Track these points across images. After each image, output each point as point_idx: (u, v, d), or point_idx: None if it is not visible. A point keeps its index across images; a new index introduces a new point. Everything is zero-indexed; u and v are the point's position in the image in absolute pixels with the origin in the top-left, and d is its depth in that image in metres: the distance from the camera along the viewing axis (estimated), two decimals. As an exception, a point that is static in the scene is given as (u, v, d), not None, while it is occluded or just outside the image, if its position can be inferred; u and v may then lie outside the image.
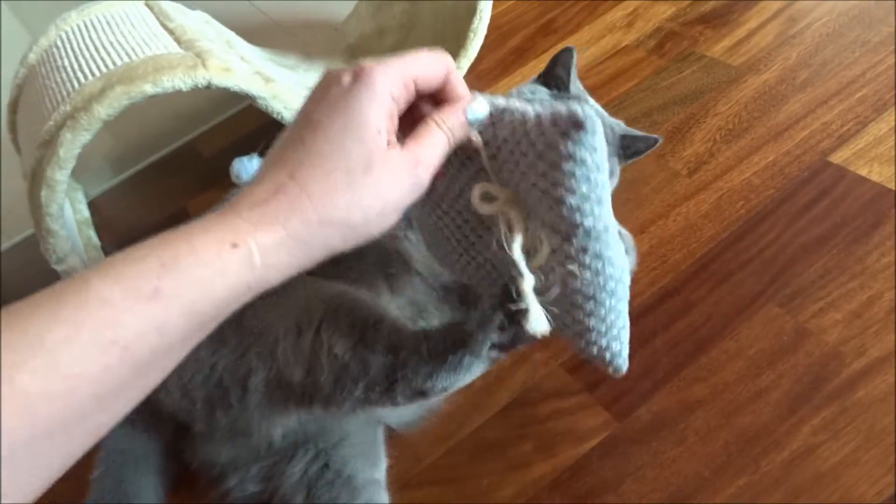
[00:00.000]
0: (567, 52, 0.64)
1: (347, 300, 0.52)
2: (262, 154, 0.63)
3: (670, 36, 0.95)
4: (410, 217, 0.49)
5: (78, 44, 0.75)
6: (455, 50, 0.93)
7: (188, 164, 1.09)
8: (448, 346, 0.47)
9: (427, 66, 0.39)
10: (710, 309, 0.64)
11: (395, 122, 0.38)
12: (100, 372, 0.29)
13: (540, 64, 0.91)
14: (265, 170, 0.37)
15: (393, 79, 0.37)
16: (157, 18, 0.81)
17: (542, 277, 0.42)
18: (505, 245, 0.41)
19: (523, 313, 0.41)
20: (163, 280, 0.31)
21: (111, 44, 0.73)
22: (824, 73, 0.81)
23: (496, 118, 0.41)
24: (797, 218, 0.68)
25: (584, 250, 0.40)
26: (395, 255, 0.60)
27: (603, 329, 0.44)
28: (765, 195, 0.71)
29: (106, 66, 0.69)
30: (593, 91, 0.69)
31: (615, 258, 0.41)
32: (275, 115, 0.73)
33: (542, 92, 0.64)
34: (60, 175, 0.67)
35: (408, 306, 0.60)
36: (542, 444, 0.59)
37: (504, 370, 0.64)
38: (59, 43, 0.78)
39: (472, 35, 0.91)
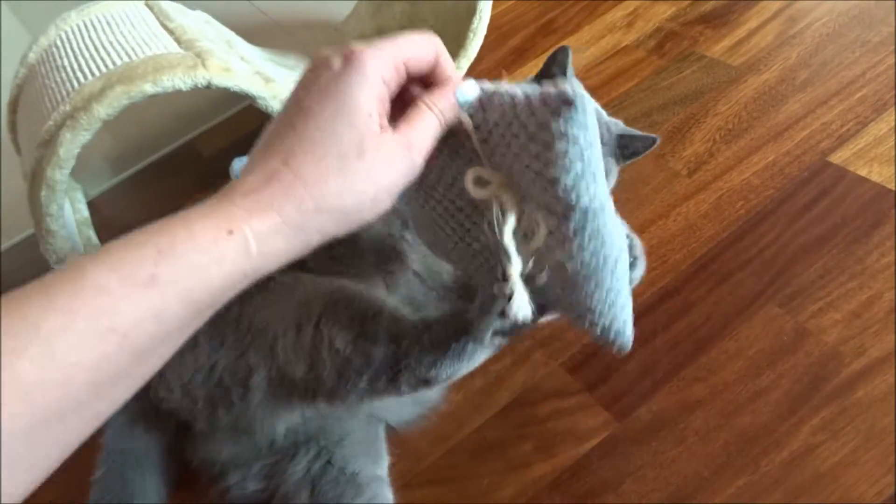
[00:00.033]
0: (562, 50, 0.64)
1: (345, 294, 0.52)
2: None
3: (670, 36, 0.95)
4: (406, 215, 0.49)
5: (78, 43, 0.75)
6: (455, 50, 0.93)
7: (188, 163, 1.09)
8: (450, 334, 0.47)
9: (417, 48, 0.39)
10: (710, 309, 0.64)
11: (387, 105, 0.38)
12: (97, 360, 0.29)
13: (540, 64, 0.91)
14: (257, 158, 0.37)
15: (383, 62, 0.37)
16: (157, 18, 0.81)
17: (541, 261, 0.41)
18: (496, 228, 0.40)
19: (511, 297, 0.41)
20: (159, 267, 0.31)
21: (111, 44, 0.73)
22: (824, 73, 0.81)
23: (486, 102, 0.40)
24: (797, 218, 0.68)
25: (582, 230, 0.40)
26: (392, 255, 0.60)
27: (606, 308, 0.43)
28: (764, 195, 0.71)
29: (106, 65, 0.69)
30: (593, 91, 0.69)
31: (613, 236, 0.41)
32: (275, 116, 0.73)
33: None
34: (60, 175, 0.67)
35: (406, 305, 0.61)
36: (542, 444, 0.59)
37: (504, 370, 0.64)
38: (58, 43, 0.78)
39: (471, 35, 0.91)
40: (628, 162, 0.64)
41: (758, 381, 0.58)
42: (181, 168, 1.08)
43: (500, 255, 0.42)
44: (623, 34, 0.98)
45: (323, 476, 0.54)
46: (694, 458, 0.55)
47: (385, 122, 0.37)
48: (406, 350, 0.48)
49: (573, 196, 0.38)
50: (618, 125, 0.64)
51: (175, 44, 0.74)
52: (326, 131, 0.35)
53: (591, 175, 0.38)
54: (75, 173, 0.72)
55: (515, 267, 0.40)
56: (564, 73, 0.64)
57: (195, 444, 0.57)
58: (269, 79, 0.75)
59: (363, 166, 0.36)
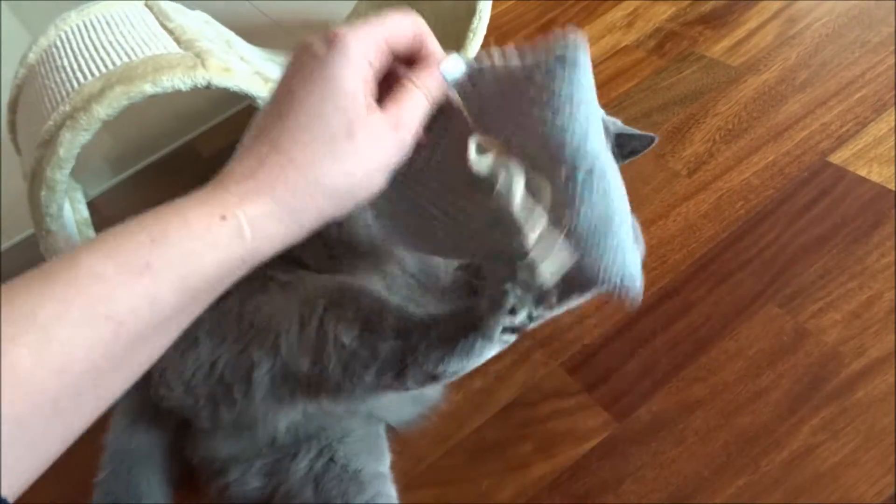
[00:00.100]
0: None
1: (349, 290, 0.52)
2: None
3: (670, 36, 0.95)
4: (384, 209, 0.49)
5: (77, 44, 0.75)
6: (455, 50, 0.93)
7: (188, 164, 1.09)
8: (459, 330, 0.47)
9: (398, 27, 0.39)
10: (710, 309, 0.64)
11: (373, 86, 0.38)
12: (93, 347, 0.29)
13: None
14: (247, 146, 0.37)
15: (366, 42, 0.37)
16: (157, 18, 0.81)
17: (548, 223, 0.41)
18: (508, 194, 0.40)
19: (540, 259, 0.41)
20: (153, 254, 0.31)
21: (111, 44, 0.73)
22: (824, 73, 0.81)
23: (475, 77, 0.41)
24: (797, 218, 0.68)
25: (590, 184, 0.40)
26: (389, 257, 0.60)
27: (616, 260, 0.43)
28: (764, 195, 0.71)
29: (105, 66, 0.69)
30: (593, 91, 0.69)
31: (617, 188, 0.42)
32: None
33: None
34: (60, 175, 0.67)
35: (407, 303, 0.61)
36: (541, 445, 0.59)
37: (504, 370, 0.64)
38: (58, 43, 0.78)
39: (471, 35, 0.91)
40: (627, 161, 0.64)
41: (758, 381, 0.58)
42: (181, 168, 1.08)
43: (502, 232, 0.41)
44: (623, 34, 0.98)
45: (326, 473, 0.54)
46: (694, 459, 0.55)
47: (372, 102, 0.37)
48: (414, 345, 0.48)
49: (582, 147, 0.39)
50: (616, 124, 0.64)
51: (175, 44, 0.74)
52: (314, 115, 0.36)
53: (595, 129, 0.39)
54: (75, 173, 0.72)
55: (539, 223, 0.40)
56: None
57: (195, 441, 0.57)
58: (269, 79, 0.75)
59: (353, 147, 0.36)
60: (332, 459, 0.55)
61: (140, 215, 0.33)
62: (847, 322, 0.59)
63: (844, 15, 0.87)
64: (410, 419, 0.62)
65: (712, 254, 0.68)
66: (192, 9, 0.90)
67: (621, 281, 0.44)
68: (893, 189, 0.67)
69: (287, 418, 0.54)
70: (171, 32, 0.77)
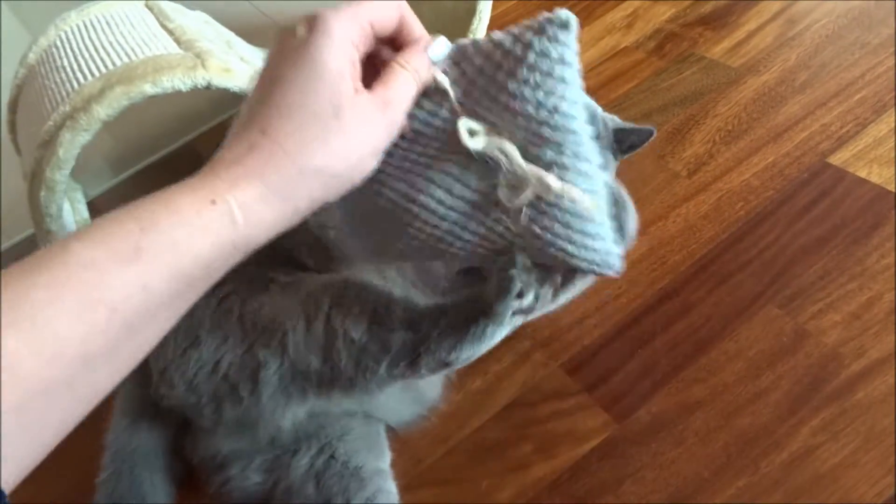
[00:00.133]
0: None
1: (353, 286, 0.52)
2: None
3: (670, 37, 0.95)
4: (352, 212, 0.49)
5: (77, 44, 0.75)
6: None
7: (188, 164, 1.08)
8: (469, 316, 0.47)
9: (380, 8, 0.38)
10: (710, 310, 0.64)
11: (358, 68, 0.38)
12: (86, 334, 0.29)
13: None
14: (235, 132, 0.36)
15: (348, 23, 0.37)
16: (157, 19, 0.81)
17: (533, 210, 0.42)
18: (510, 165, 0.40)
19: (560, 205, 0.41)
20: (143, 240, 0.31)
21: (111, 44, 0.73)
22: (823, 74, 0.81)
23: (460, 57, 0.41)
24: (797, 219, 0.68)
25: (577, 158, 0.41)
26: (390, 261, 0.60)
27: (596, 239, 0.44)
28: (764, 196, 0.71)
29: (105, 66, 0.69)
30: (593, 92, 0.69)
31: (597, 168, 0.43)
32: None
33: None
34: (60, 176, 0.67)
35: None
36: (541, 446, 0.59)
37: (503, 371, 0.64)
38: (58, 43, 0.78)
39: (471, 36, 0.91)
40: (626, 156, 0.64)
41: (757, 382, 0.57)
42: (181, 169, 1.07)
43: (511, 188, 0.41)
44: (623, 35, 0.98)
45: (327, 470, 0.54)
46: (693, 460, 0.55)
47: (359, 84, 0.37)
48: (425, 334, 0.48)
49: (571, 123, 0.40)
50: (614, 120, 0.64)
51: (175, 44, 0.74)
52: (301, 97, 0.35)
53: (580, 109, 0.40)
54: (75, 174, 0.72)
55: (552, 179, 0.40)
56: None
57: (196, 439, 0.57)
58: (269, 79, 0.75)
59: (342, 128, 0.36)
60: (332, 457, 0.55)
61: (128, 204, 0.33)
62: (847, 323, 0.59)
63: (844, 16, 0.87)
64: (410, 420, 0.62)
65: (712, 255, 0.68)
66: (193, 9, 0.90)
67: (604, 259, 0.45)
68: (893, 190, 0.67)
69: (294, 416, 0.54)
70: (171, 33, 0.77)
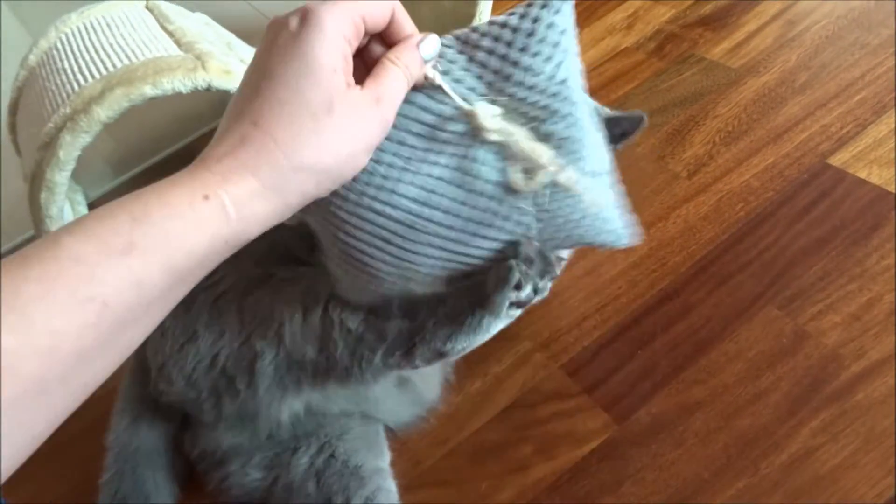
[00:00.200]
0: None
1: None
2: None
3: (670, 38, 0.95)
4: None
5: (78, 46, 0.76)
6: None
7: (188, 166, 1.09)
8: (466, 307, 0.47)
9: (373, 3, 0.38)
10: (710, 311, 0.64)
11: (350, 63, 0.37)
12: (79, 328, 0.28)
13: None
14: (227, 123, 0.36)
15: (341, 18, 0.36)
16: (158, 21, 0.81)
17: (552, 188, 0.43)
18: (521, 148, 0.41)
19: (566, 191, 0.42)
20: (135, 234, 0.31)
21: (111, 46, 0.73)
22: (823, 75, 0.81)
23: (464, 45, 0.42)
24: (796, 220, 0.68)
25: (586, 130, 0.42)
26: None
27: (609, 209, 0.45)
28: (764, 197, 0.71)
29: (106, 68, 0.69)
30: (593, 93, 0.69)
31: (601, 133, 0.46)
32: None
33: None
34: (60, 177, 0.67)
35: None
36: (541, 447, 0.59)
37: (503, 372, 0.64)
38: (59, 45, 0.78)
39: (471, 37, 0.91)
40: (620, 145, 0.64)
41: (757, 383, 0.57)
42: (181, 170, 1.08)
43: (525, 172, 0.42)
44: (623, 36, 0.98)
45: (327, 469, 0.55)
46: (693, 461, 0.55)
47: (351, 79, 0.37)
48: (421, 323, 0.48)
49: (574, 95, 0.42)
50: (604, 110, 0.64)
51: (175, 46, 0.74)
52: (293, 91, 0.35)
53: (580, 81, 0.43)
54: (76, 175, 0.72)
55: (557, 164, 0.41)
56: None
57: (196, 435, 0.57)
58: (269, 81, 0.75)
59: (334, 123, 0.36)
60: (332, 455, 0.55)
61: (120, 198, 0.32)
62: (847, 324, 0.59)
63: (844, 17, 0.87)
64: (409, 420, 0.62)
65: (712, 256, 0.68)
66: (193, 11, 0.91)
67: (618, 233, 0.46)
68: (893, 191, 0.67)
69: (290, 409, 0.54)
70: (171, 34, 0.77)
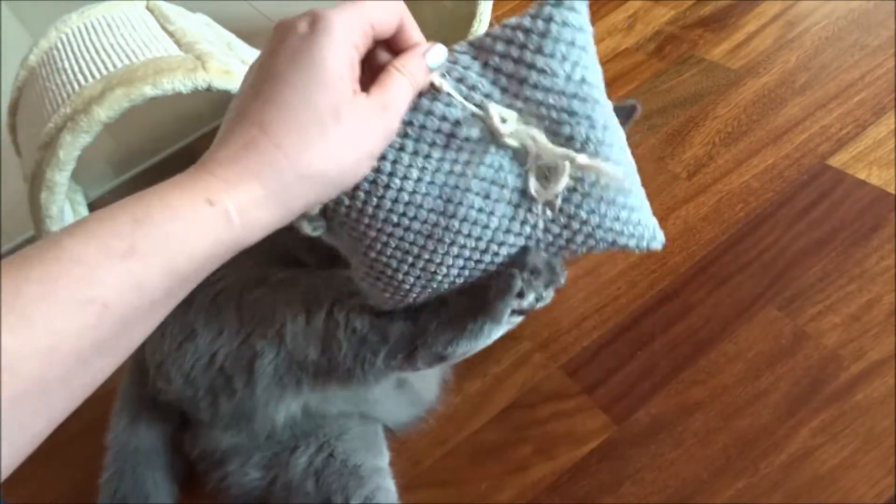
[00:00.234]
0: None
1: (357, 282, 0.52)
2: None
3: (670, 39, 0.95)
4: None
5: (78, 46, 0.76)
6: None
7: (188, 166, 1.08)
8: (467, 312, 0.47)
9: (382, 10, 0.38)
10: (709, 312, 0.64)
11: (357, 69, 0.37)
12: (79, 330, 0.28)
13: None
14: (230, 126, 0.36)
15: (351, 24, 0.36)
16: (158, 21, 0.81)
17: (576, 194, 0.43)
18: (539, 151, 0.41)
19: (595, 179, 0.42)
20: (137, 238, 0.30)
21: (111, 46, 0.73)
22: (823, 76, 0.81)
23: (477, 51, 0.41)
24: (796, 221, 0.68)
25: (607, 130, 0.42)
26: None
27: (638, 210, 0.45)
28: (764, 198, 0.71)
29: (106, 68, 0.69)
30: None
31: (624, 140, 0.44)
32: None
33: None
34: (60, 177, 0.67)
35: None
36: (540, 447, 0.59)
37: (503, 372, 0.64)
38: (59, 45, 0.78)
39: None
40: None
41: (757, 383, 0.58)
42: (181, 171, 1.08)
43: (544, 177, 0.42)
44: (623, 37, 0.98)
45: (326, 468, 0.55)
46: (693, 461, 0.55)
47: (357, 86, 0.37)
48: (423, 327, 0.48)
49: (597, 93, 0.41)
50: None
51: (175, 46, 0.74)
52: (301, 97, 0.35)
53: (600, 79, 0.42)
54: (76, 175, 0.72)
55: (583, 158, 0.41)
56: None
57: (195, 434, 0.58)
58: (270, 81, 0.75)
59: (341, 131, 0.35)
60: (331, 455, 0.55)
61: (122, 200, 0.32)
62: (846, 325, 0.59)
63: (844, 18, 0.87)
64: (407, 421, 0.62)
65: (712, 256, 0.68)
66: (193, 11, 0.91)
67: (645, 235, 0.46)
68: (893, 192, 0.67)
69: (288, 409, 0.54)
70: (171, 35, 0.77)
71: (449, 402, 0.63)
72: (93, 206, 1.03)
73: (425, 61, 0.40)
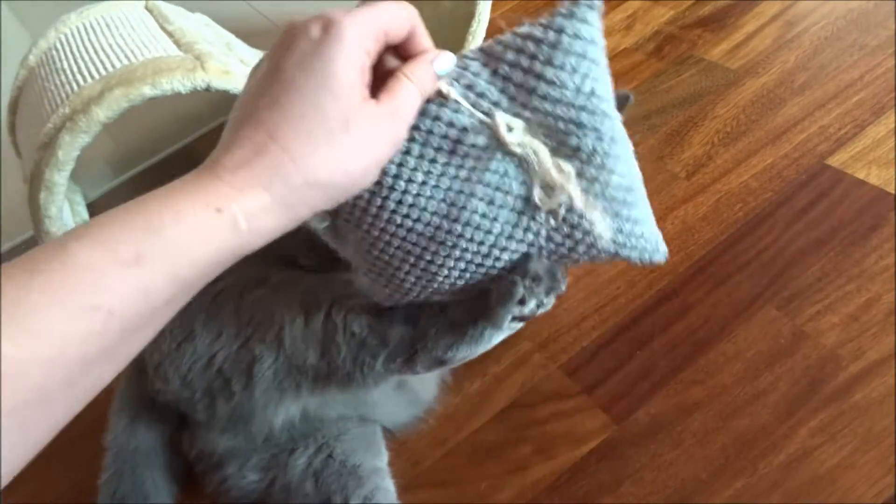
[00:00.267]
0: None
1: (356, 284, 0.52)
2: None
3: (669, 39, 0.95)
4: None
5: (77, 46, 0.76)
6: (454, 52, 0.93)
7: (187, 166, 1.07)
8: (468, 318, 0.47)
9: (394, 17, 0.38)
10: (708, 311, 0.64)
11: (367, 75, 0.37)
12: (84, 337, 0.28)
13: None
14: (238, 130, 0.36)
15: (363, 30, 0.36)
16: (157, 21, 0.81)
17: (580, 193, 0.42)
18: (539, 169, 0.40)
19: (586, 224, 0.42)
20: (145, 245, 0.30)
21: (110, 46, 0.73)
22: (822, 76, 0.81)
23: (488, 58, 0.41)
24: (795, 221, 0.68)
25: (614, 142, 0.42)
26: None
27: (642, 223, 0.45)
28: (763, 198, 0.71)
29: (105, 68, 0.69)
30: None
31: (630, 153, 0.44)
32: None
33: None
34: (59, 177, 0.67)
35: None
36: (540, 447, 0.59)
37: (502, 372, 0.64)
38: (58, 45, 0.78)
39: (470, 38, 0.91)
40: None
41: (756, 383, 0.58)
42: (180, 171, 1.07)
43: (545, 191, 0.41)
44: (622, 37, 0.98)
45: (325, 469, 0.55)
46: (692, 461, 0.55)
47: (366, 92, 0.37)
48: (423, 331, 0.48)
49: (606, 107, 0.41)
50: None
51: (174, 46, 0.74)
52: (311, 104, 0.35)
53: (609, 92, 0.41)
54: (75, 176, 0.72)
55: (577, 196, 0.40)
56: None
57: (193, 435, 0.58)
58: (269, 81, 0.75)
59: (350, 139, 0.35)
60: (330, 456, 0.55)
61: (129, 203, 0.32)
62: (845, 324, 0.59)
63: (843, 18, 0.87)
64: (406, 421, 0.62)
65: (711, 256, 0.68)
66: (193, 11, 0.91)
67: (647, 248, 0.46)
68: (892, 192, 0.67)
69: (286, 412, 0.54)
70: (170, 35, 0.77)
71: (448, 402, 0.63)
72: (92, 207, 1.03)
73: (433, 69, 0.40)
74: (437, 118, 0.41)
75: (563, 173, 0.41)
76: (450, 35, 0.96)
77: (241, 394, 0.52)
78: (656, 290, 0.67)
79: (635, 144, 0.45)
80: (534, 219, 0.43)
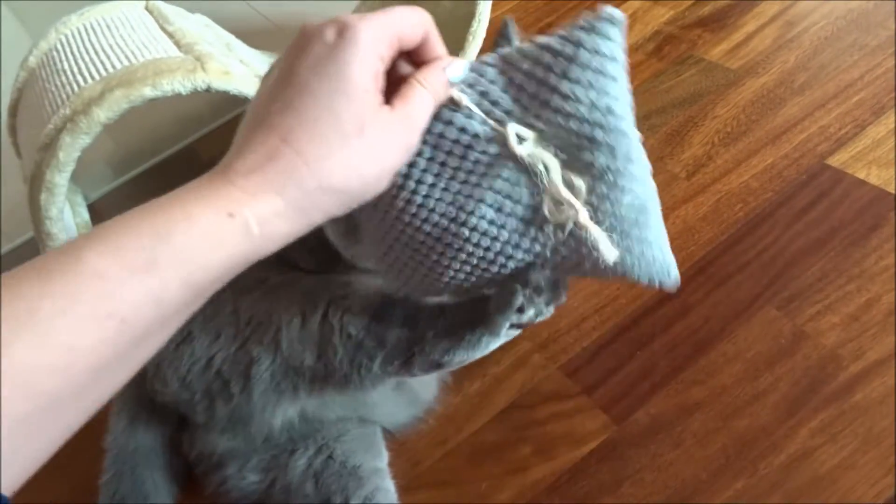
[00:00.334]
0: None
1: (354, 285, 0.52)
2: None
3: (669, 39, 0.95)
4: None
5: (78, 47, 0.76)
6: (454, 53, 0.92)
7: (188, 167, 1.09)
8: (466, 323, 0.47)
9: (409, 23, 0.38)
10: (708, 311, 0.64)
11: (381, 81, 0.37)
12: (96, 345, 0.28)
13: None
14: (251, 134, 0.35)
15: (378, 36, 0.36)
16: (157, 22, 0.81)
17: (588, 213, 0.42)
18: (548, 184, 0.40)
19: (589, 243, 0.41)
20: (158, 251, 0.30)
21: (111, 47, 0.73)
22: (822, 76, 0.81)
23: (505, 65, 0.41)
24: (795, 221, 0.68)
25: (629, 161, 0.41)
26: None
27: (654, 246, 0.45)
28: (763, 198, 0.71)
29: (105, 69, 0.69)
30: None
31: (648, 171, 0.44)
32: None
33: None
34: (60, 178, 0.67)
35: None
36: (540, 448, 0.59)
37: (502, 373, 0.64)
38: (58, 46, 0.78)
39: (470, 38, 0.91)
40: None
41: (756, 383, 0.58)
42: (181, 171, 1.08)
43: (554, 204, 0.41)
44: (622, 37, 0.98)
45: (325, 470, 0.55)
46: (692, 461, 0.55)
47: (381, 97, 0.37)
48: (421, 334, 0.48)
49: (616, 130, 0.40)
50: None
51: (175, 47, 0.74)
52: (325, 109, 0.34)
53: (628, 109, 0.40)
54: (76, 177, 0.72)
55: (583, 214, 0.40)
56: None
57: (193, 436, 0.58)
58: (269, 82, 0.75)
59: (364, 144, 0.35)
60: (330, 456, 0.55)
61: (141, 207, 0.32)
62: (845, 325, 0.59)
63: (843, 18, 0.87)
64: (405, 421, 0.62)
65: (711, 256, 0.68)
66: (193, 12, 0.91)
67: (659, 270, 0.45)
68: (892, 192, 0.67)
69: (284, 414, 0.54)
70: (171, 36, 0.77)
71: (448, 402, 0.63)
72: (92, 208, 1.03)
73: (446, 75, 0.40)
74: (449, 123, 0.41)
75: (572, 188, 0.40)
76: (450, 35, 0.95)
77: (239, 395, 0.52)
78: (656, 290, 0.67)
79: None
80: (542, 230, 0.43)
